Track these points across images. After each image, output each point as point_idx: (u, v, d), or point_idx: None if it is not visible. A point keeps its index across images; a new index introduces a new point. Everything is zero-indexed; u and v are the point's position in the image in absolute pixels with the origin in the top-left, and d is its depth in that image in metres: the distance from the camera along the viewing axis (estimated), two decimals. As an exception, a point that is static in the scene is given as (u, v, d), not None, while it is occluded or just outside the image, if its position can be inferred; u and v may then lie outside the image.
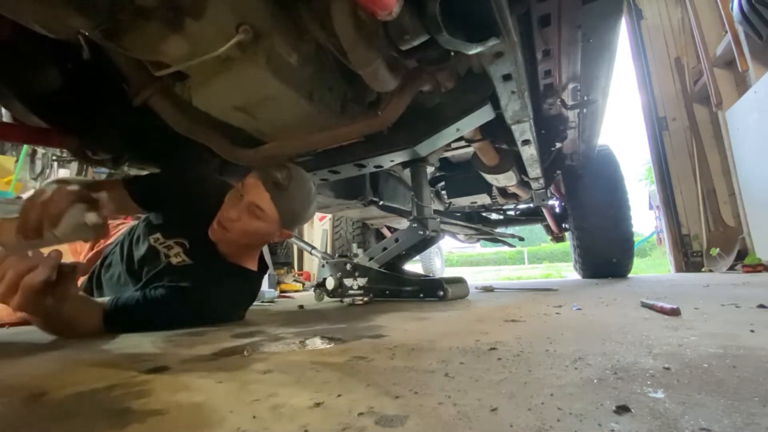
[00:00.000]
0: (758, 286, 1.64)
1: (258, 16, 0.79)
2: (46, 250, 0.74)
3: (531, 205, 3.23)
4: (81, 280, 1.23)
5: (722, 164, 4.12)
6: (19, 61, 1.01)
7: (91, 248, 1.38)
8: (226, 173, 1.58)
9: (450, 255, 23.91)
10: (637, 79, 4.91)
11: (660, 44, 4.79)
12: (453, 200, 2.65)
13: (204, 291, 1.06)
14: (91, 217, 0.80)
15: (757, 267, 3.06)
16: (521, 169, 1.95)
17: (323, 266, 1.88)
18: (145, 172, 1.42)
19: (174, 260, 1.12)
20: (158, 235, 1.15)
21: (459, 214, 3.23)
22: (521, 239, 4.09)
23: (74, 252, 1.40)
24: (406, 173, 2.16)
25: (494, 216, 3.59)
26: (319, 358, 0.61)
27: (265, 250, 3.80)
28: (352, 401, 0.40)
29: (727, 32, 3.31)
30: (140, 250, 1.17)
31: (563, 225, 3.25)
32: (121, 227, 1.41)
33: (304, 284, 3.82)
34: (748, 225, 3.19)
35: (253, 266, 1.23)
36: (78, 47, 0.81)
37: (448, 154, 2.22)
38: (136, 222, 1.31)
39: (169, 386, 0.48)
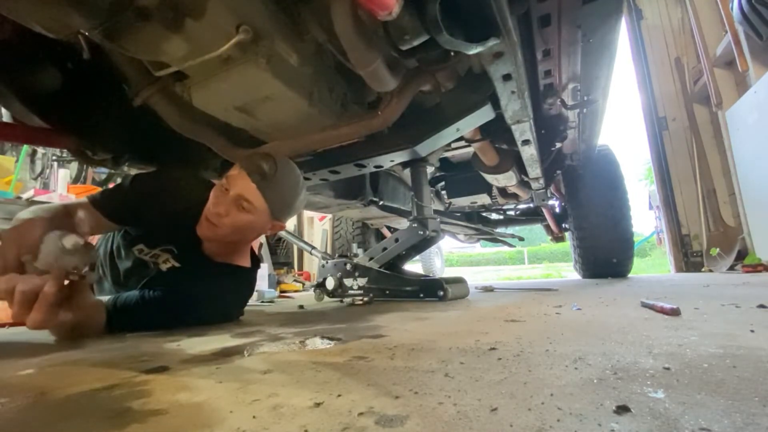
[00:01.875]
0: (758, 286, 1.64)
1: (258, 16, 0.79)
2: None
3: (531, 205, 3.22)
4: None
5: (722, 164, 4.12)
6: (19, 61, 1.01)
7: None
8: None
9: (450, 255, 23.91)
10: (637, 79, 4.91)
11: (660, 44, 4.79)
12: (453, 200, 2.65)
13: (198, 293, 1.05)
14: (69, 241, 0.76)
15: (757, 267, 3.06)
16: (521, 169, 1.95)
17: (323, 266, 1.88)
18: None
19: (164, 266, 1.10)
20: (141, 246, 1.11)
21: (459, 214, 3.23)
22: (521, 239, 4.09)
23: None
24: (406, 173, 2.16)
25: (494, 216, 3.59)
26: (319, 358, 0.61)
27: (265, 249, 3.83)
28: (352, 401, 0.40)
29: (727, 32, 3.31)
30: (125, 264, 1.13)
31: (563, 225, 3.25)
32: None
33: (304, 284, 3.82)
34: (748, 225, 3.19)
35: (245, 263, 1.21)
36: (78, 47, 0.81)
37: (448, 154, 2.22)
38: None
39: (169, 386, 0.48)
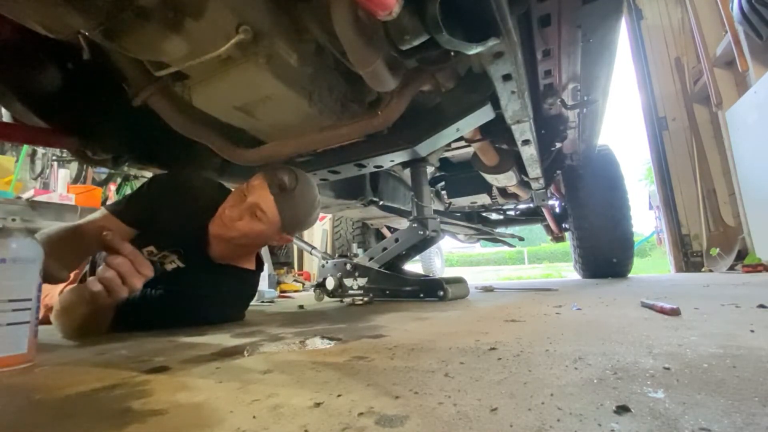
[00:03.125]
0: (758, 286, 1.64)
1: (258, 16, 0.79)
2: None
3: (531, 205, 3.23)
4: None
5: (722, 164, 4.12)
6: (19, 61, 1.01)
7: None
8: (227, 173, 1.58)
9: (450, 255, 23.91)
10: (637, 79, 4.91)
11: (660, 44, 4.79)
12: (453, 200, 2.65)
13: (201, 293, 1.06)
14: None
15: (757, 267, 3.06)
16: (521, 169, 1.95)
17: (323, 266, 1.88)
18: (146, 173, 1.41)
19: (168, 267, 1.11)
20: (151, 248, 1.13)
21: (459, 214, 3.23)
22: (521, 239, 4.09)
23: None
24: (406, 173, 2.16)
25: (494, 216, 3.59)
26: (319, 358, 0.61)
27: (264, 249, 3.83)
28: (352, 401, 0.40)
29: (727, 32, 3.31)
30: None
31: (563, 225, 3.25)
32: None
33: (304, 284, 3.82)
34: (748, 225, 3.19)
35: (250, 266, 1.23)
36: (78, 47, 0.81)
37: (448, 154, 2.22)
38: None
39: (169, 386, 0.48)
